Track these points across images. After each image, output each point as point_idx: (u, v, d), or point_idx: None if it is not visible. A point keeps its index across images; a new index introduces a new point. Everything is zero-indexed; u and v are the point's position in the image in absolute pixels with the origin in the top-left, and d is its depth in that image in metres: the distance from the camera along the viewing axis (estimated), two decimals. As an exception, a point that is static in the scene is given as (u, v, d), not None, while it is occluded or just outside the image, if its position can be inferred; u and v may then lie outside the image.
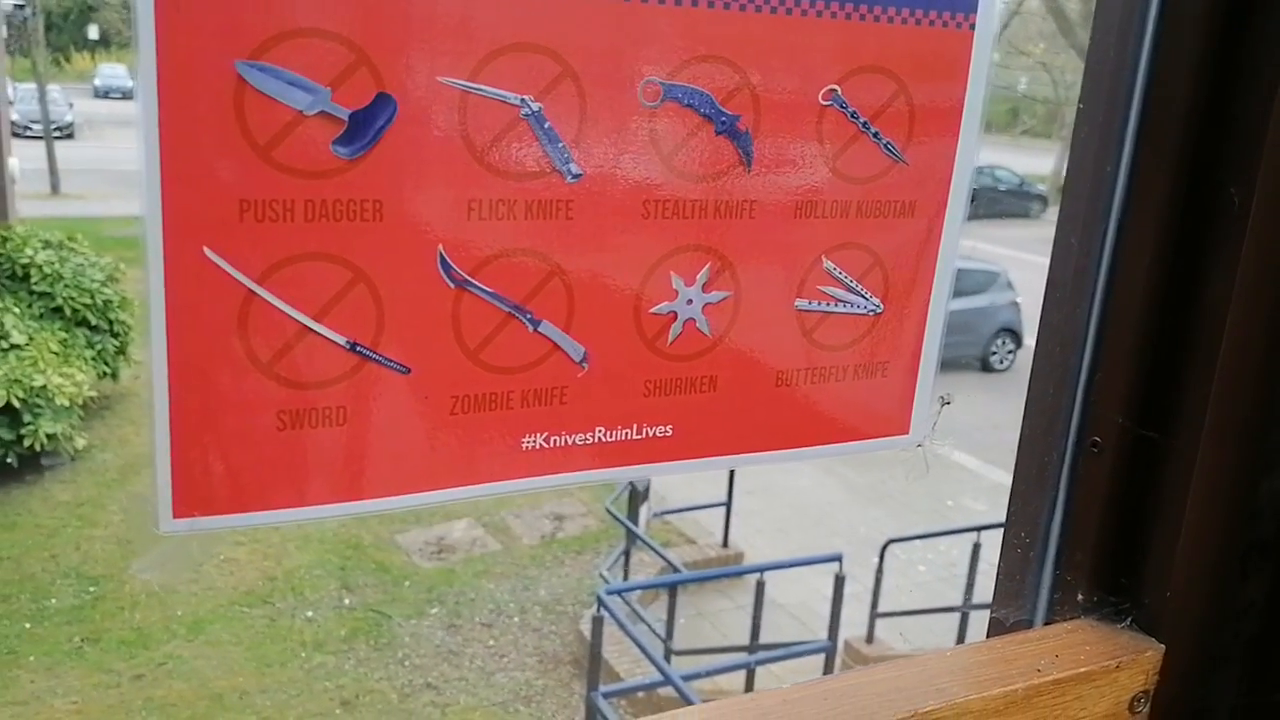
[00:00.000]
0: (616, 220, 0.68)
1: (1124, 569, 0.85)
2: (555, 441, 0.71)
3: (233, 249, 0.59)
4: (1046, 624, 0.87)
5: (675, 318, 0.72)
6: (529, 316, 0.67)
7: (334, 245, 0.61)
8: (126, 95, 30.35)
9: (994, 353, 13.73)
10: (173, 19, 0.55)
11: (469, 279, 0.65)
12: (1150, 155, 0.78)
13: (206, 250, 0.58)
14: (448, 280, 0.65)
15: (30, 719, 6.49)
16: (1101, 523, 0.85)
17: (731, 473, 8.35)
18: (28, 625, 7.34)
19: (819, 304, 0.76)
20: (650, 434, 0.74)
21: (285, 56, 0.57)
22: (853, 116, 0.73)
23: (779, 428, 0.78)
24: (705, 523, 9.04)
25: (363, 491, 0.66)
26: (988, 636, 0.89)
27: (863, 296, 0.78)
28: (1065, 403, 0.85)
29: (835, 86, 0.72)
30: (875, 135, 0.74)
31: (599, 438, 0.72)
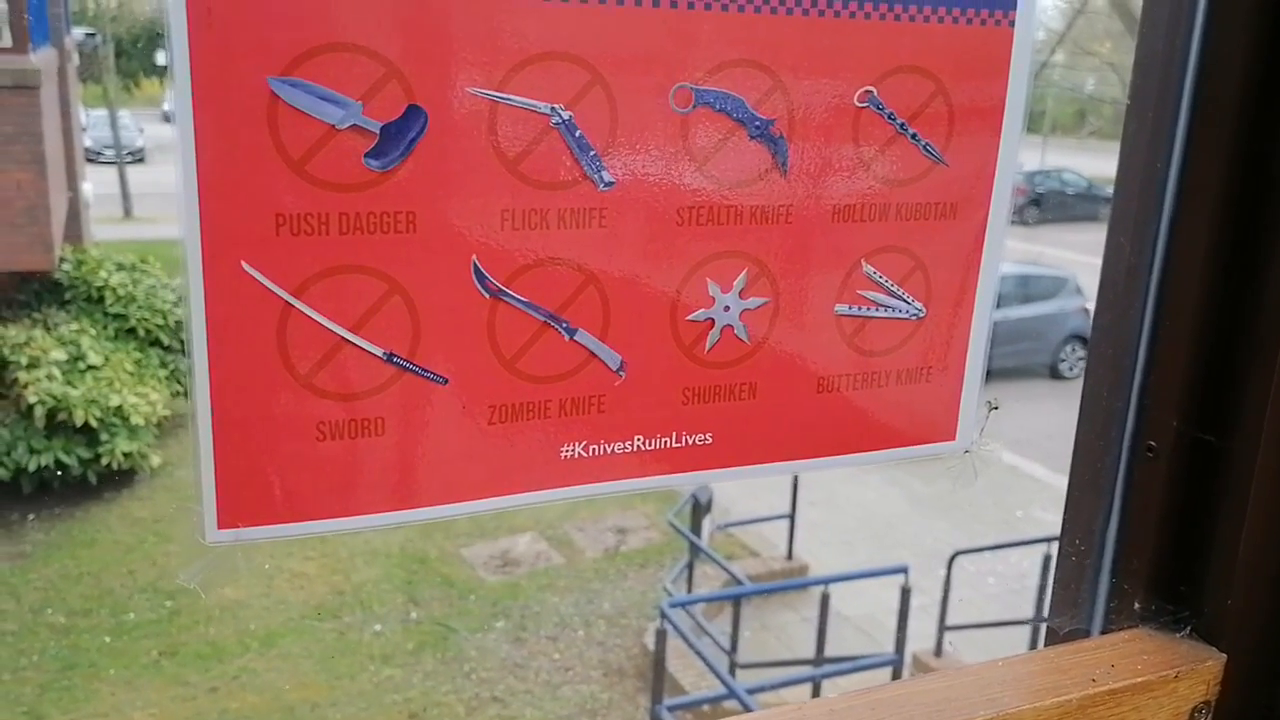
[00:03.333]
0: (650, 228, 0.68)
1: (1182, 576, 0.82)
2: (594, 450, 0.71)
3: (270, 263, 0.60)
4: (1103, 633, 0.85)
5: (713, 325, 0.71)
6: (565, 325, 0.67)
7: (369, 257, 0.62)
8: (198, 120, 30.98)
9: (1063, 360, 13.47)
10: (205, 37, 0.56)
11: (504, 289, 0.65)
12: (1202, 151, 0.75)
13: (244, 264, 0.59)
14: (482, 290, 0.65)
15: (110, 730, 6.64)
16: (1158, 529, 0.82)
17: (795, 484, 8.30)
18: (107, 639, 7.51)
19: (859, 309, 0.75)
20: (690, 441, 0.73)
21: (317, 71, 0.58)
22: (890, 118, 0.72)
23: (821, 434, 0.77)
24: (769, 535, 8.98)
25: (402, 501, 0.67)
26: (1044, 645, 0.87)
27: (904, 300, 0.76)
28: (1119, 407, 0.82)
29: (871, 88, 0.71)
30: (913, 137, 0.73)
31: (638, 446, 0.72)
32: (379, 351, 0.63)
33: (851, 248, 0.74)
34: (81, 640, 7.49)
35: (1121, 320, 0.81)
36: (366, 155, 0.60)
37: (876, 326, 0.76)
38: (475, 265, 0.64)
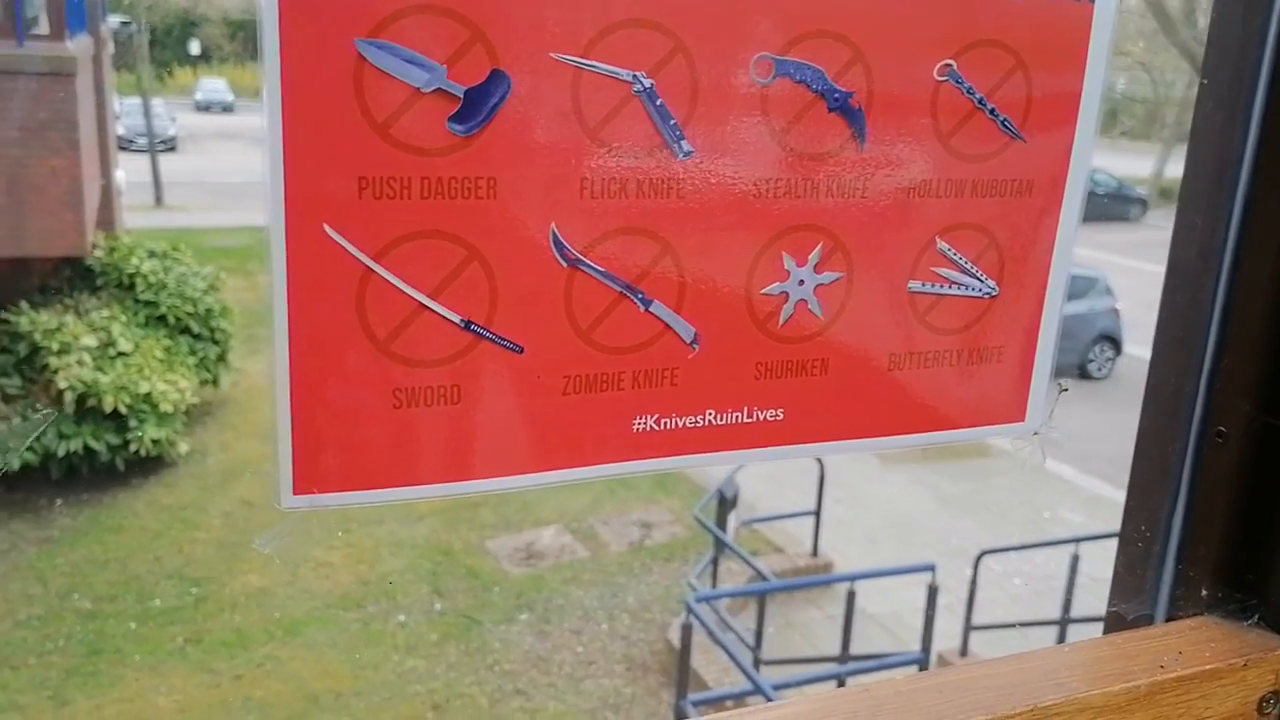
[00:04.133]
0: (728, 199, 0.68)
1: (1250, 564, 0.81)
2: (665, 424, 0.70)
3: (352, 226, 0.60)
4: (1169, 620, 0.84)
5: (786, 299, 0.71)
6: (640, 296, 0.67)
7: (449, 223, 0.62)
8: (226, 109, 31.24)
9: (1092, 360, 13.37)
10: (296, -1, 0.56)
11: (581, 257, 0.65)
12: (1281, 129, 0.74)
13: (326, 228, 0.59)
14: (560, 259, 0.65)
15: (135, 716, 6.68)
16: (1226, 516, 0.81)
17: (821, 481, 8.27)
18: (133, 625, 7.56)
19: (932, 286, 0.75)
20: (760, 417, 0.73)
21: (403, 34, 0.58)
22: (969, 92, 0.71)
23: (891, 412, 0.77)
24: (794, 531, 8.95)
25: (475, 471, 0.67)
26: (1105, 632, 0.86)
27: (977, 278, 0.76)
28: (1188, 391, 0.82)
29: (951, 61, 0.70)
30: (992, 112, 0.72)
31: (709, 420, 0.72)
32: (456, 318, 0.63)
33: (926, 223, 0.73)
34: (107, 626, 7.54)
35: (1192, 302, 0.80)
36: (450, 119, 0.60)
37: (949, 304, 0.76)
38: (554, 233, 0.64)
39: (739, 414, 0.72)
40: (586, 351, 0.67)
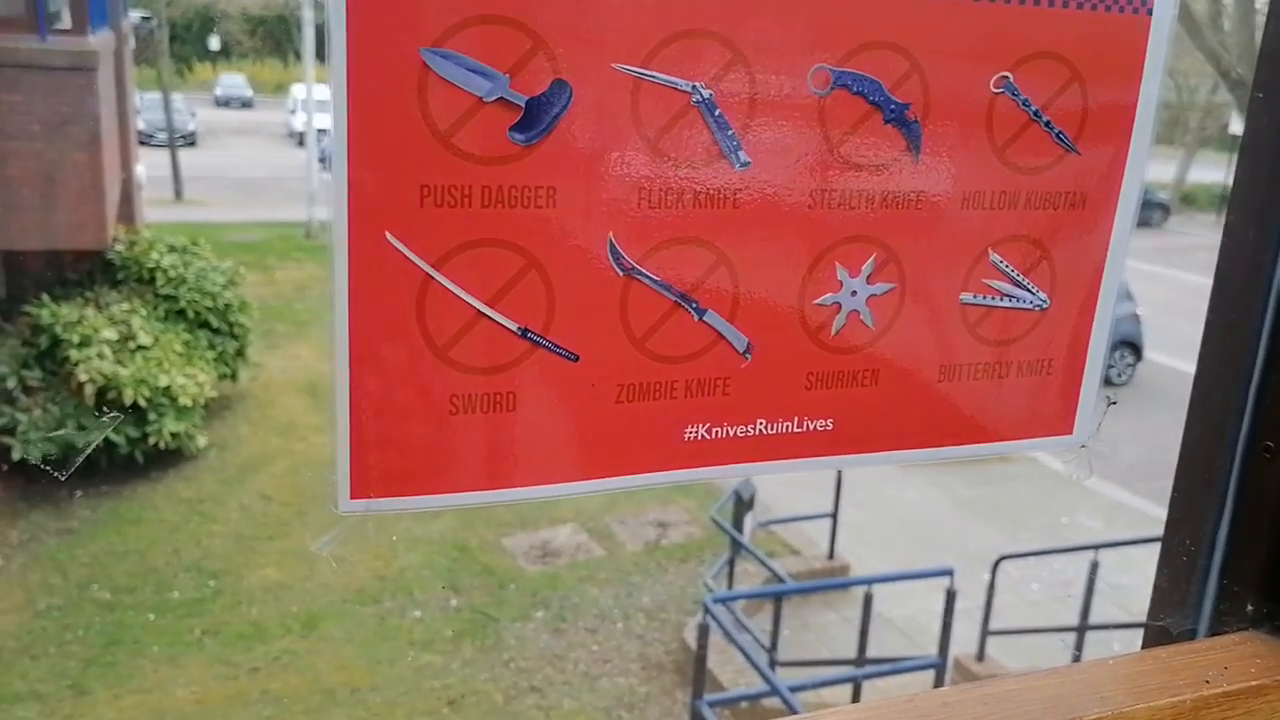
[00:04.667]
0: (783, 210, 0.68)
1: (1299, 579, 0.81)
2: (717, 433, 0.71)
3: (413, 234, 0.60)
4: (1212, 635, 0.84)
5: (839, 309, 0.71)
6: (695, 306, 0.67)
7: (509, 231, 0.62)
8: (245, 104, 31.41)
9: (1112, 366, 13.30)
10: (363, 5, 0.56)
11: (637, 267, 0.65)
12: (1342, 143, 0.74)
13: (388, 235, 0.60)
14: (617, 268, 0.65)
15: (153, 707, 6.72)
16: (1273, 531, 0.81)
17: (838, 484, 8.25)
18: (151, 617, 7.60)
19: (984, 298, 0.75)
20: (811, 427, 0.73)
21: (467, 43, 0.58)
22: (1024, 104, 0.71)
23: (940, 424, 0.77)
24: (810, 534, 8.94)
25: (528, 478, 0.67)
26: (1145, 646, 0.86)
27: (1029, 291, 0.76)
28: (1235, 404, 0.81)
29: (1007, 74, 0.70)
30: (1047, 124, 0.72)
31: (760, 430, 0.72)
32: (514, 326, 0.64)
33: (979, 235, 0.73)
34: (126, 617, 7.59)
35: (1242, 316, 0.80)
36: (511, 129, 0.60)
37: (1000, 316, 0.76)
38: (611, 242, 0.64)
39: (789, 424, 0.72)
40: (641, 360, 0.67)
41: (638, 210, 0.64)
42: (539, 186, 0.62)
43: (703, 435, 0.70)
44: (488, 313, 0.63)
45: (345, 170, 0.58)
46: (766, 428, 0.72)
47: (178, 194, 19.88)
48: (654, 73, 0.62)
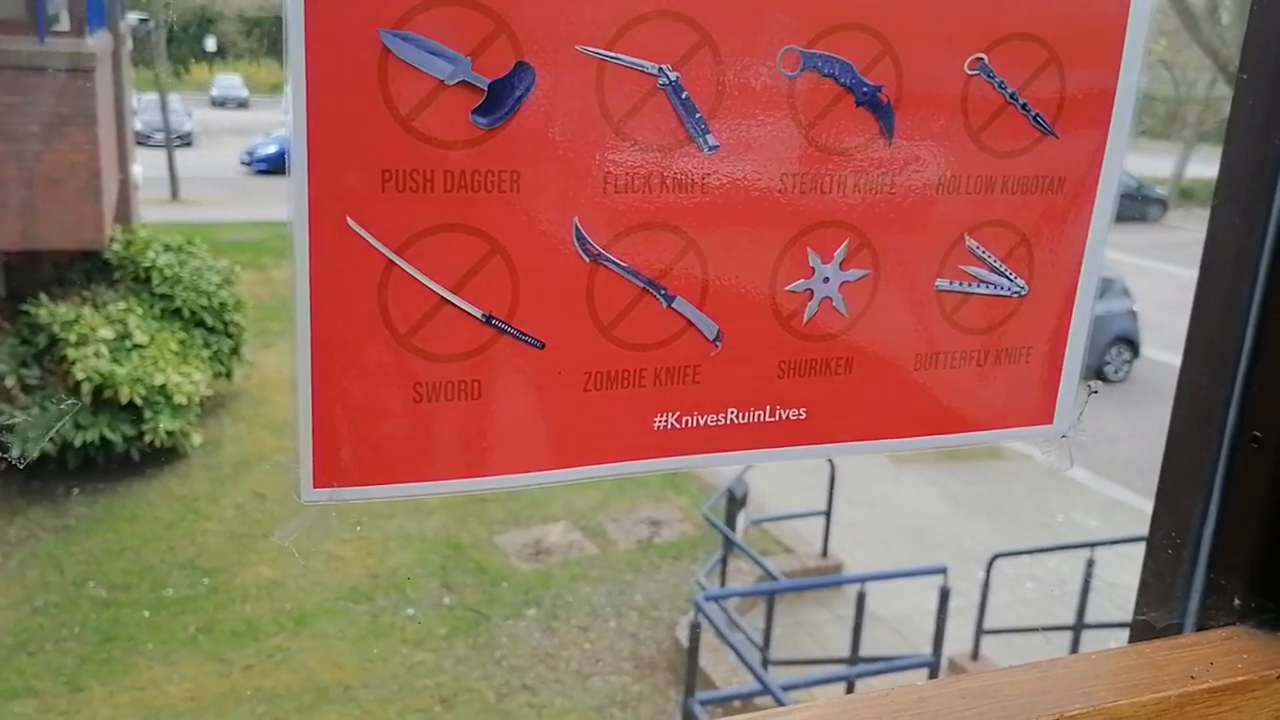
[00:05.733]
0: (753, 194, 0.66)
1: (1284, 572, 0.80)
2: (687, 422, 0.69)
3: (374, 219, 0.59)
4: (1199, 629, 0.82)
5: (811, 296, 0.70)
6: (663, 292, 0.66)
7: (472, 216, 0.61)
8: (242, 105, 31.37)
9: (1109, 363, 13.29)
10: (320, -14, 0.55)
11: (604, 252, 0.64)
12: (1325, 127, 0.73)
13: (349, 220, 0.58)
14: (583, 254, 0.63)
15: (148, 704, 6.71)
16: (1260, 523, 0.80)
17: (832, 481, 8.24)
18: (146, 614, 7.60)
19: (960, 284, 0.73)
20: (783, 416, 0.72)
21: (428, 25, 0.57)
22: (1000, 87, 0.70)
23: (915, 413, 0.75)
24: (804, 532, 8.93)
25: (494, 467, 0.66)
26: (1132, 640, 0.85)
27: (1007, 277, 0.74)
28: (1222, 395, 0.80)
29: (982, 55, 0.69)
30: (1024, 106, 0.71)
31: (731, 419, 0.70)
32: (478, 313, 0.62)
33: (955, 220, 0.72)
34: (121, 614, 7.58)
35: (1228, 303, 0.79)
36: (474, 112, 0.59)
37: (977, 303, 0.74)
38: (577, 228, 0.63)
39: (761, 413, 0.71)
40: (608, 348, 0.66)
41: (604, 195, 0.63)
42: (502, 171, 0.61)
43: (672, 424, 0.69)
44: (451, 299, 0.62)
45: (305, 155, 0.57)
46: (738, 417, 0.70)
47: (174, 194, 19.85)
48: (619, 55, 0.61)
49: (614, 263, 0.64)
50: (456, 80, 0.58)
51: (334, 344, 0.60)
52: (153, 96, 21.25)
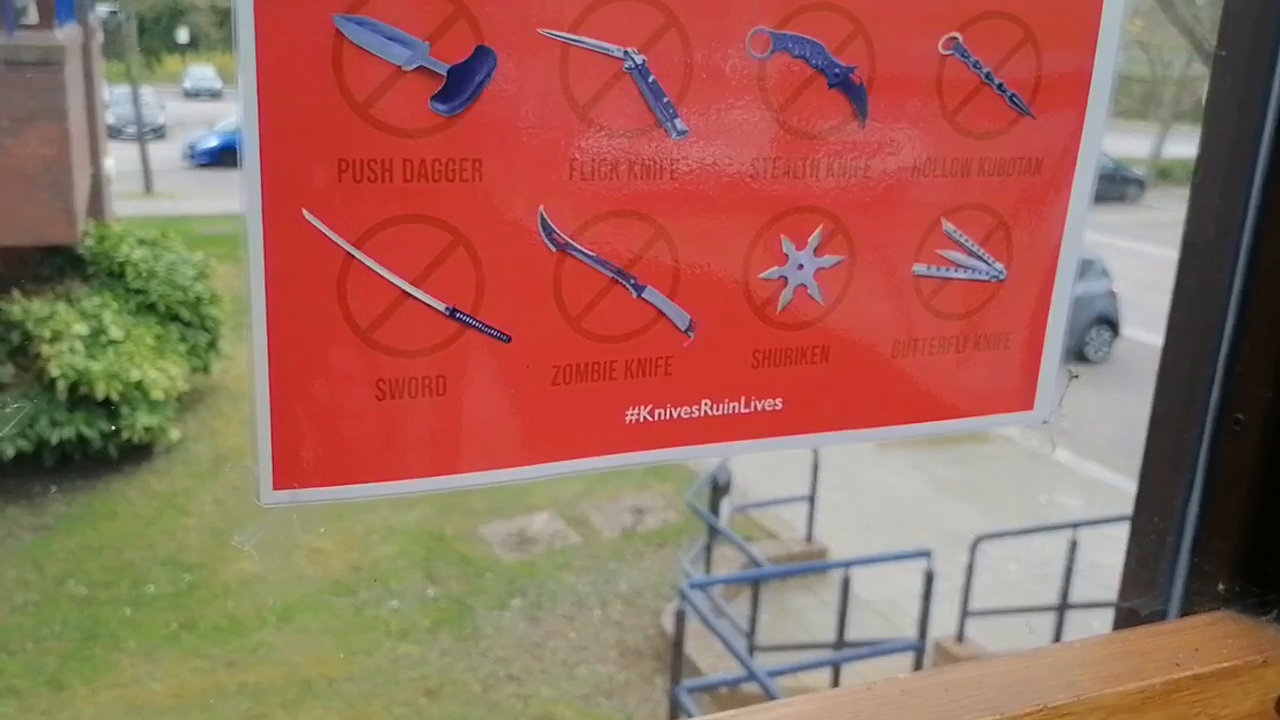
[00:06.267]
0: (723, 180, 0.65)
1: (1269, 557, 0.79)
2: (660, 415, 0.68)
3: (331, 211, 0.57)
4: (1183, 615, 0.81)
5: (785, 284, 0.68)
6: (633, 282, 0.64)
7: (433, 207, 0.59)
8: (215, 96, 31.08)
9: (1089, 343, 13.35)
10: (269, -30, 0.52)
11: (570, 242, 0.62)
12: (1305, 103, 0.71)
13: (305, 213, 0.56)
14: (549, 244, 0.62)
15: (131, 701, 6.68)
16: (1244, 507, 0.79)
17: (815, 466, 8.25)
18: (128, 611, 7.56)
19: (938, 269, 0.72)
20: (759, 407, 0.70)
21: (384, 9, 0.55)
22: (975, 66, 0.68)
23: (894, 401, 0.74)
24: (788, 517, 8.94)
25: (463, 464, 0.64)
26: (1116, 627, 0.84)
27: (985, 261, 0.73)
28: (1204, 377, 0.79)
29: (956, 34, 0.67)
30: (999, 86, 0.69)
31: (705, 411, 0.69)
32: (441, 306, 0.60)
33: (931, 204, 0.70)
34: (102, 611, 7.54)
35: (1209, 284, 0.77)
36: (433, 99, 0.57)
37: (955, 288, 0.73)
38: (542, 217, 0.61)
39: (736, 404, 0.69)
40: (577, 340, 0.64)
41: (569, 183, 0.61)
42: (464, 159, 0.58)
43: (645, 417, 0.67)
44: (413, 293, 0.60)
45: (257, 145, 0.55)
46: (712, 408, 0.69)
47: (148, 187, 19.68)
48: (583, 38, 0.59)
49: (581, 252, 0.62)
50: (414, 66, 0.56)
51: (292, 341, 0.58)
52: (124, 89, 21.07)
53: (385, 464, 0.62)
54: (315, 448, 0.60)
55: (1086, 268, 13.18)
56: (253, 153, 0.55)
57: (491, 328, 0.62)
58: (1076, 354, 13.19)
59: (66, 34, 9.46)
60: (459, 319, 0.61)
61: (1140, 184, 23.37)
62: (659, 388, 0.67)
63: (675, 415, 0.68)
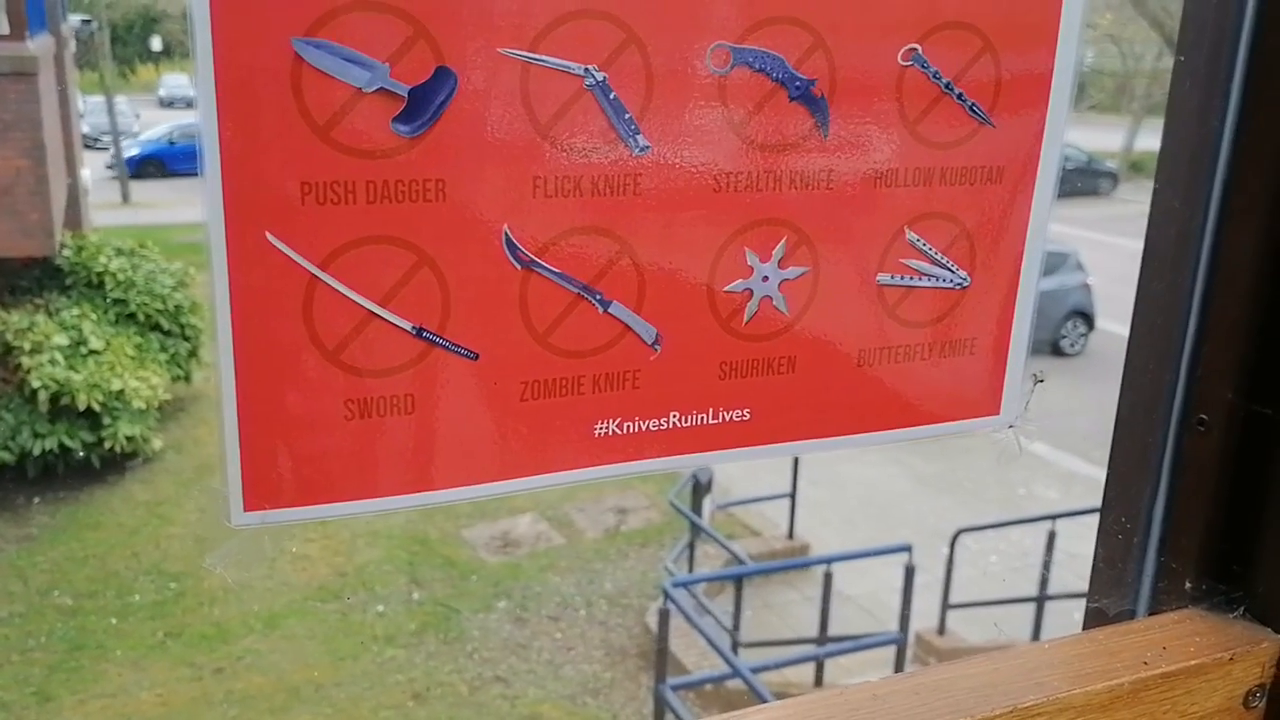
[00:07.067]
0: (687, 194, 0.65)
1: (1235, 555, 0.79)
2: (629, 428, 0.68)
3: (295, 233, 0.57)
4: (1151, 614, 0.82)
5: (750, 296, 0.69)
6: (599, 298, 0.65)
7: (397, 227, 0.59)
8: (190, 104, 30.87)
9: (1064, 336, 13.43)
10: (227, -5, 0.53)
11: (536, 259, 0.62)
12: (1260, 106, 0.72)
13: (269, 235, 0.57)
14: (514, 261, 0.62)
15: (118, 711, 6.65)
16: (1210, 506, 0.80)
17: (796, 463, 8.28)
18: (113, 620, 7.52)
19: (902, 278, 0.72)
20: (727, 418, 0.71)
21: (342, 32, 0.55)
22: (934, 77, 0.69)
23: (862, 410, 0.75)
24: (770, 514, 8.97)
25: (433, 482, 0.64)
26: (1085, 627, 0.84)
27: (948, 269, 0.74)
28: (1168, 378, 0.80)
29: (916, 45, 0.68)
30: (959, 96, 0.70)
31: (674, 423, 0.69)
32: (408, 326, 0.61)
33: (894, 214, 0.71)
34: (88, 622, 7.50)
35: (1171, 286, 0.78)
36: (394, 120, 0.57)
37: (920, 296, 0.74)
38: (506, 235, 0.61)
39: (704, 415, 0.70)
40: (544, 356, 0.64)
41: (533, 200, 0.61)
42: (427, 180, 0.59)
43: (614, 431, 0.68)
44: (380, 313, 0.60)
45: (219, 169, 0.55)
46: (680, 420, 0.69)
47: (125, 197, 19.56)
48: (543, 57, 0.59)
49: (547, 269, 0.63)
50: (374, 88, 0.56)
51: (258, 362, 0.58)
52: (99, 99, 20.93)
53: (355, 483, 0.62)
54: (285, 469, 0.60)
55: (1061, 262, 13.27)
56: (215, 176, 0.55)
57: (459, 346, 0.62)
58: (1053, 347, 13.28)
59: (39, 44, 9.40)
60: (426, 338, 0.61)
61: (1114, 177, 23.49)
62: (627, 401, 0.67)
63: (644, 428, 0.68)
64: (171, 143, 22.65)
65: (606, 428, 0.67)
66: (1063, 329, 13.40)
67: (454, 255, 0.60)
